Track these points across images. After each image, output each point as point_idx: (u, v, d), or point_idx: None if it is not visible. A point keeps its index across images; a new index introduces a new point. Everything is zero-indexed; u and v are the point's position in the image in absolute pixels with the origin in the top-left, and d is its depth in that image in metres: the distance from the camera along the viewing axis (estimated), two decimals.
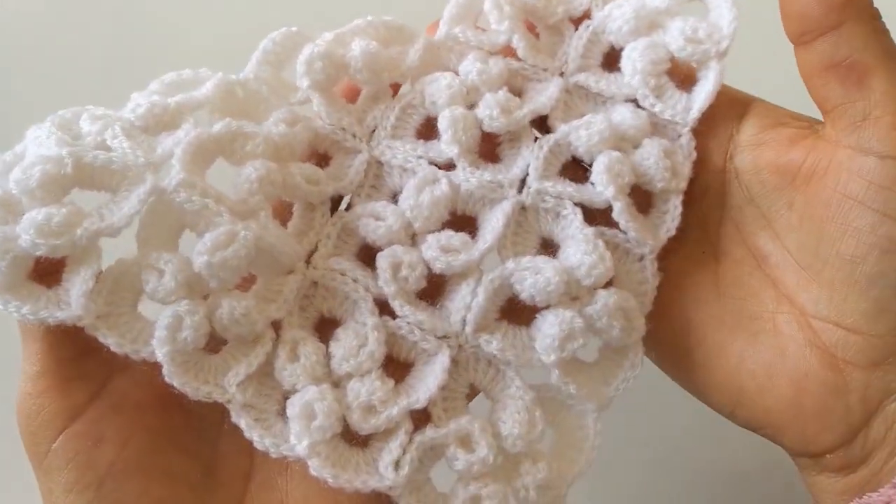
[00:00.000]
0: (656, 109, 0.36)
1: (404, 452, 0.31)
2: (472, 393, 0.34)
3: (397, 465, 0.31)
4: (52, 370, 0.29)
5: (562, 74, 0.37)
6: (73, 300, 0.28)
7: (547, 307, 0.33)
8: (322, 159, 0.36)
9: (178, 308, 0.29)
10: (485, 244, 0.33)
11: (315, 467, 0.29)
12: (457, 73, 0.36)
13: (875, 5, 0.31)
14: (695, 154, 0.36)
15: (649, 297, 0.35)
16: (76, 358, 0.30)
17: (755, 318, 0.34)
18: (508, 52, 0.37)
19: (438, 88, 0.35)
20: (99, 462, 0.29)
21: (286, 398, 0.31)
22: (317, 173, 0.34)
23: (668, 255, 0.36)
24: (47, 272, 0.29)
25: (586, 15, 0.38)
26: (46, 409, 0.29)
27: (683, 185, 0.35)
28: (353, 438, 0.31)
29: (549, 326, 0.32)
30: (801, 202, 0.33)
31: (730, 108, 0.35)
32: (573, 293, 0.33)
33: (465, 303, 0.33)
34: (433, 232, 0.34)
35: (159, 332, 0.29)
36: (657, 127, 0.36)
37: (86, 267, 0.28)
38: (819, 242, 0.32)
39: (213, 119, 0.33)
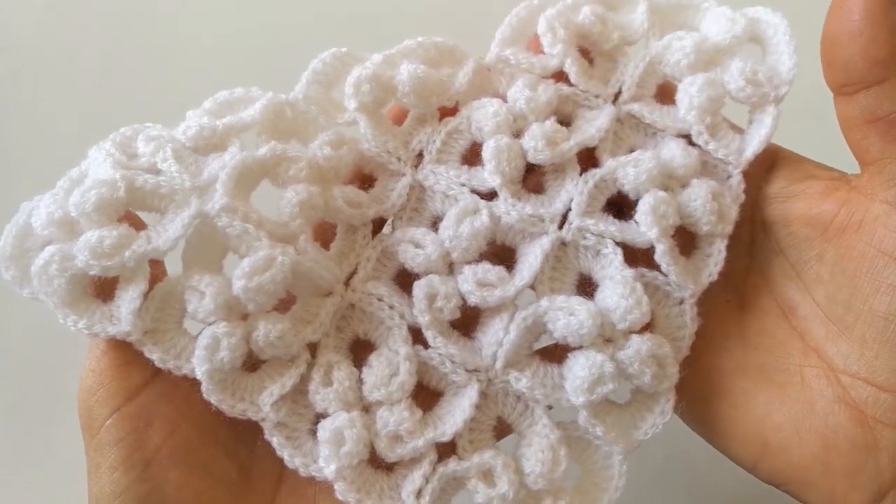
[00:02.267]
0: (710, 147, 0.35)
1: (427, 482, 0.32)
2: (501, 426, 0.34)
3: (419, 493, 0.32)
4: (114, 351, 0.30)
5: (614, 102, 0.36)
6: (123, 317, 0.30)
7: (579, 347, 0.33)
8: (367, 181, 0.36)
9: (216, 329, 0.30)
10: (521, 281, 0.33)
11: (341, 491, 0.31)
12: (505, 98, 0.36)
13: None
14: (743, 197, 0.35)
15: (686, 343, 0.34)
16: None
17: (781, 371, 0.33)
18: (560, 76, 0.36)
19: (485, 116, 0.35)
20: (147, 445, 0.30)
21: (318, 419, 0.32)
22: (359, 196, 0.34)
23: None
24: (105, 287, 0.31)
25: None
26: (105, 387, 0.30)
27: (729, 229, 0.34)
28: (379, 463, 0.32)
29: (579, 368, 0.32)
30: (832, 255, 0.32)
31: (756, 158, 0.35)
32: (607, 335, 0.33)
33: (497, 338, 0.33)
34: (471, 263, 0.34)
35: (198, 352, 0.30)
36: (706, 166, 0.35)
37: (134, 286, 0.30)
38: (851, 297, 0.31)
39: (261, 141, 0.33)
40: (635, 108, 0.36)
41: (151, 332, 0.30)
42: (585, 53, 0.37)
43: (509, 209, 0.34)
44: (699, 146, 0.35)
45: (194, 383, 0.31)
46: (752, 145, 0.35)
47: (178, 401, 0.31)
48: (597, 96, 0.36)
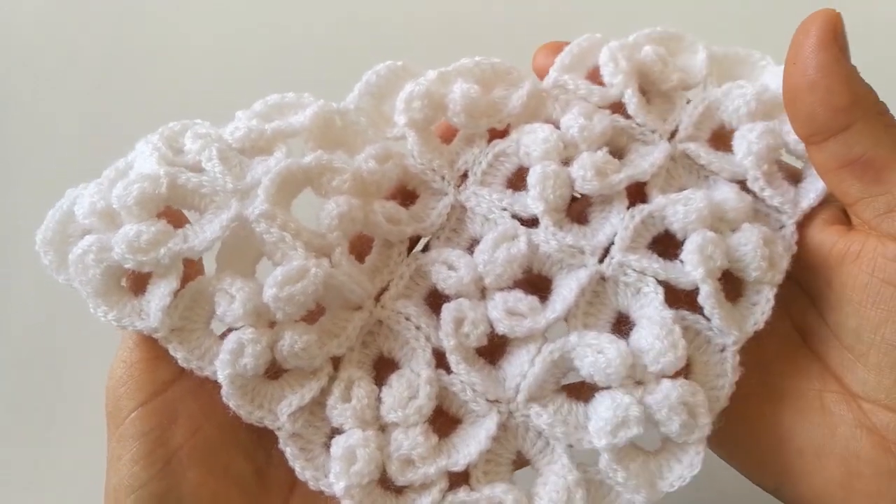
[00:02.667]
0: (765, 195, 0.34)
1: None
2: (520, 460, 0.33)
3: None
4: (147, 345, 0.31)
5: (670, 139, 0.35)
6: (152, 313, 0.30)
7: (607, 388, 0.32)
8: (410, 197, 0.36)
9: (242, 335, 0.30)
10: (552, 314, 0.32)
11: None
12: (558, 125, 0.35)
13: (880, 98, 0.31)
14: (795, 248, 0.33)
15: (725, 393, 0.32)
16: None
17: (801, 396, 0.33)
18: (617, 108, 0.35)
19: (535, 140, 0.34)
20: (170, 442, 0.30)
21: (334, 433, 0.32)
22: (398, 213, 0.34)
23: None
24: (138, 280, 0.31)
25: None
26: (134, 379, 0.30)
27: (779, 278, 0.33)
28: (389, 484, 0.32)
29: (604, 409, 0.31)
30: (837, 284, 0.32)
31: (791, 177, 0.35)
32: (638, 377, 0.32)
33: (522, 370, 0.32)
34: (503, 289, 0.33)
35: (222, 356, 0.30)
36: (758, 214, 0.34)
37: (166, 283, 0.30)
38: (860, 326, 0.31)
39: (307, 148, 0.34)
40: (691, 147, 0.35)
41: (178, 330, 0.31)
42: (643, 92, 0.36)
43: (549, 238, 0.33)
44: (753, 192, 0.34)
45: (218, 384, 0.31)
46: (808, 197, 0.34)
47: (204, 400, 0.31)
48: (653, 131, 0.35)
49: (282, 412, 0.31)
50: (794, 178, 0.35)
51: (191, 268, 0.32)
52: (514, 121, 0.35)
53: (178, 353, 0.30)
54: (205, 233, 0.31)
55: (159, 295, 0.30)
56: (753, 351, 0.33)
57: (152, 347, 0.31)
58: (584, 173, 0.33)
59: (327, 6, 0.54)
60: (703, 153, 0.35)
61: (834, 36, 0.30)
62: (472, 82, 0.35)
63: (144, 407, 0.30)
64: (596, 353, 0.31)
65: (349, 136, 0.35)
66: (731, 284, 0.33)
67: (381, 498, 0.31)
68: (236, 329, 0.30)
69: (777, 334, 0.34)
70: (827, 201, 0.34)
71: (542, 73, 0.36)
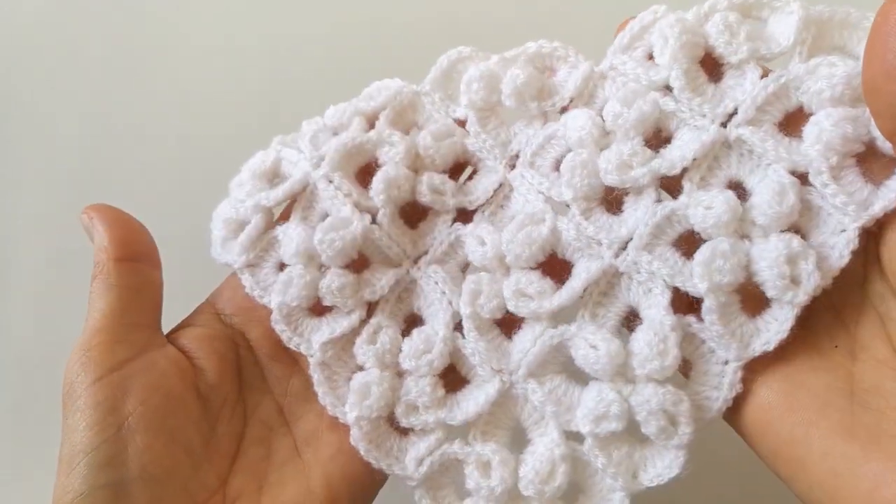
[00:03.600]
0: (827, 191, 0.30)
1: (429, 454, 0.35)
2: (518, 427, 0.35)
3: (421, 461, 0.35)
4: (108, 329, 0.34)
5: (725, 124, 0.32)
6: (235, 249, 0.38)
7: (599, 379, 0.32)
8: (471, 172, 0.39)
9: (292, 271, 0.36)
10: (558, 300, 0.33)
11: (354, 437, 0.35)
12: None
13: None
14: (846, 259, 0.29)
15: (718, 407, 0.31)
16: (126, 325, 0.35)
17: None
18: (672, 88, 0.34)
19: (573, 127, 0.34)
20: (122, 410, 0.32)
21: (358, 370, 0.37)
22: (444, 184, 0.37)
23: (794, 339, 0.30)
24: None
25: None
26: (92, 360, 0.33)
27: (801, 299, 0.29)
28: (396, 425, 0.36)
29: (589, 399, 0.32)
30: None
31: (882, 175, 0.29)
32: (628, 376, 0.32)
33: (524, 348, 0.34)
34: (524, 269, 0.35)
35: (276, 286, 0.36)
36: (819, 214, 0.30)
37: (249, 227, 0.38)
38: None
39: (381, 124, 0.38)
40: (746, 133, 0.32)
41: (252, 266, 0.37)
42: (714, 66, 0.33)
43: (570, 226, 0.34)
44: (815, 187, 0.30)
45: (171, 364, 0.35)
46: (884, 199, 0.29)
47: (155, 376, 0.34)
48: (703, 116, 0.33)
49: (315, 340, 0.37)
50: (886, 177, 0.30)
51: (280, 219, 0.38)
52: (571, 104, 0.36)
53: (246, 284, 0.37)
54: (279, 189, 0.38)
55: (242, 235, 0.38)
56: (844, 379, 0.29)
57: (112, 333, 0.34)
58: (607, 165, 0.33)
59: (329, 5, 0.54)
60: (759, 140, 0.31)
61: None
62: (530, 66, 0.36)
63: (100, 381, 0.33)
64: (589, 347, 0.32)
65: (421, 115, 0.39)
66: (758, 294, 0.31)
67: (386, 433, 0.36)
68: (289, 265, 0.36)
69: (875, 361, 0.29)
70: None
71: None
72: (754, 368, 0.31)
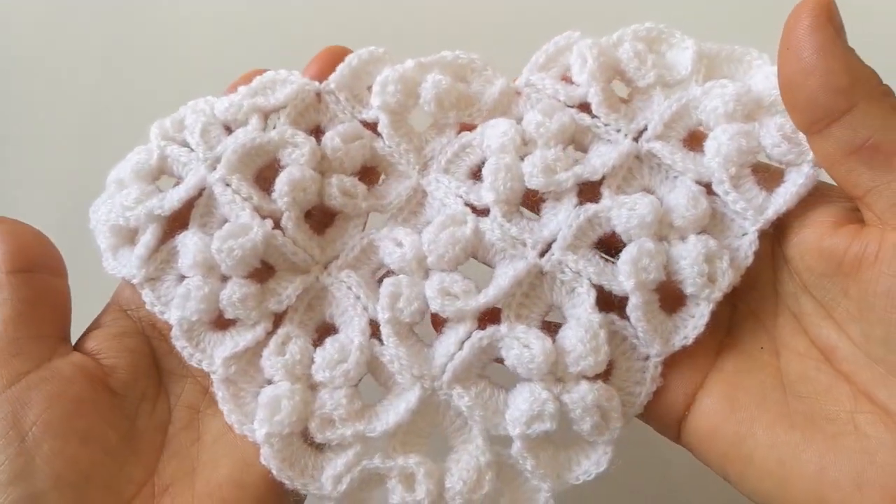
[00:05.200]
0: (728, 199, 0.33)
1: (348, 471, 0.33)
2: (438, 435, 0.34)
3: (339, 479, 0.33)
4: (2, 343, 0.32)
5: (637, 139, 0.35)
6: (132, 263, 0.35)
7: (529, 379, 0.33)
8: (377, 176, 0.38)
9: (189, 282, 0.33)
10: (483, 299, 0.33)
11: (265, 455, 0.32)
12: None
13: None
14: (751, 259, 0.33)
15: (640, 401, 0.33)
16: (25, 339, 0.33)
17: (832, 420, 0.30)
18: (588, 106, 0.36)
19: (494, 134, 0.35)
20: (23, 421, 0.31)
21: (266, 385, 0.34)
22: (355, 188, 0.36)
23: (723, 350, 0.33)
24: None
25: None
26: None
27: (718, 295, 0.32)
28: (311, 441, 0.33)
29: (521, 401, 0.32)
30: (856, 290, 0.30)
31: (773, 183, 0.33)
32: (559, 375, 0.32)
33: (449, 351, 0.33)
34: (445, 271, 0.34)
35: (175, 300, 0.34)
36: (722, 220, 0.34)
37: (144, 238, 0.35)
38: (888, 335, 0.29)
39: (283, 123, 0.36)
40: (656, 147, 0.34)
41: (152, 280, 0.35)
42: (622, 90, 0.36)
43: (494, 227, 0.34)
44: (718, 196, 0.33)
45: (75, 369, 0.33)
46: (776, 204, 0.32)
47: (56, 384, 0.33)
48: (618, 130, 0.35)
49: (217, 356, 0.34)
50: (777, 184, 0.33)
51: (180, 227, 0.35)
52: (486, 116, 0.37)
53: (146, 299, 0.34)
54: (173, 194, 0.34)
55: (138, 248, 0.35)
56: (774, 376, 0.32)
57: (7, 346, 0.33)
58: (532, 169, 0.34)
59: (330, 5, 0.55)
60: (668, 152, 0.34)
61: (828, 16, 0.28)
62: (447, 74, 0.36)
63: None
64: (522, 346, 0.32)
65: (325, 114, 0.37)
66: (675, 293, 0.33)
67: (300, 451, 0.33)
68: (189, 277, 0.33)
69: (797, 354, 0.32)
70: (835, 202, 0.32)
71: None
72: (691, 380, 0.33)
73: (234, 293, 0.33)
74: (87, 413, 0.33)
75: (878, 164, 0.28)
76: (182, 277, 0.34)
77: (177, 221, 0.35)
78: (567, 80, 0.36)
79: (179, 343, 0.34)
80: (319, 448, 0.34)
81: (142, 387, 0.35)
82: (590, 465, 0.33)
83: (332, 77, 0.37)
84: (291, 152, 0.35)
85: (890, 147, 0.28)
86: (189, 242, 0.34)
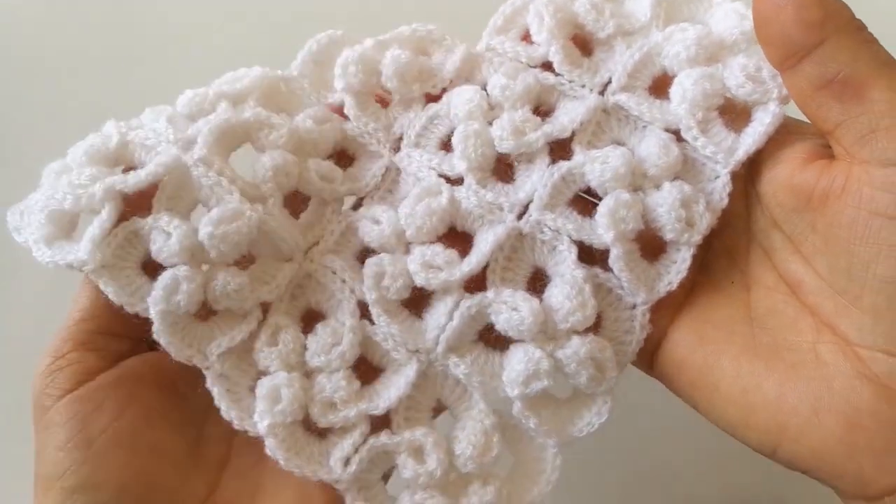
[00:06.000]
0: (698, 144, 0.33)
1: (356, 451, 0.33)
2: (440, 407, 0.35)
3: (347, 461, 0.33)
4: (77, 339, 0.32)
5: (602, 92, 0.35)
6: (82, 246, 0.31)
7: (521, 341, 0.33)
8: (348, 159, 0.37)
9: (177, 272, 0.31)
10: (468, 266, 0.33)
11: (270, 447, 0.32)
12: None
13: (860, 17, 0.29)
14: (726, 202, 0.33)
15: (632, 349, 0.33)
16: (103, 336, 0.33)
17: (793, 349, 0.31)
18: (551, 65, 0.36)
19: (460, 102, 0.35)
20: (93, 426, 0.31)
21: (260, 377, 0.33)
22: (333, 172, 0.36)
23: (695, 286, 0.34)
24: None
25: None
26: (62, 371, 0.31)
27: (697, 238, 0.33)
28: (313, 429, 0.33)
29: (517, 362, 0.32)
30: (823, 224, 0.30)
31: (741, 123, 0.33)
32: (549, 333, 0.33)
33: (440, 323, 0.33)
34: (425, 244, 0.34)
35: (156, 291, 0.31)
36: (694, 165, 0.34)
37: (98, 218, 0.31)
38: (851, 266, 0.29)
39: (251, 107, 0.35)
40: (622, 99, 0.35)
41: (110, 267, 0.31)
42: (586, 42, 0.36)
43: (470, 195, 0.34)
44: (687, 142, 0.34)
45: (147, 369, 0.33)
46: (745, 144, 0.33)
47: (130, 386, 0.32)
48: (583, 86, 0.35)
49: (211, 352, 0.32)
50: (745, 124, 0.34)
51: (131, 211, 0.32)
52: (450, 85, 0.37)
53: (108, 289, 0.31)
54: (141, 171, 0.32)
55: (91, 229, 0.31)
56: (743, 309, 0.33)
57: (82, 342, 0.32)
58: (501, 133, 0.34)
59: (330, 4, 0.55)
60: (635, 104, 0.34)
61: None
62: (407, 49, 0.36)
63: (70, 395, 0.31)
64: (510, 310, 0.32)
65: (292, 100, 0.37)
66: (655, 241, 0.34)
67: (303, 439, 0.33)
68: (171, 267, 0.32)
69: (766, 288, 0.33)
70: (806, 138, 0.32)
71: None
72: (665, 316, 0.34)
73: (228, 282, 0.32)
74: (158, 422, 0.32)
75: (847, 98, 0.29)
76: (144, 266, 0.32)
77: (130, 209, 0.32)
78: (527, 40, 0.36)
79: (165, 338, 0.31)
80: (322, 435, 0.34)
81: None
82: (591, 416, 0.33)
83: (294, 64, 0.37)
84: (268, 133, 0.34)
85: (859, 80, 0.28)
86: (168, 227, 0.31)
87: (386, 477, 0.34)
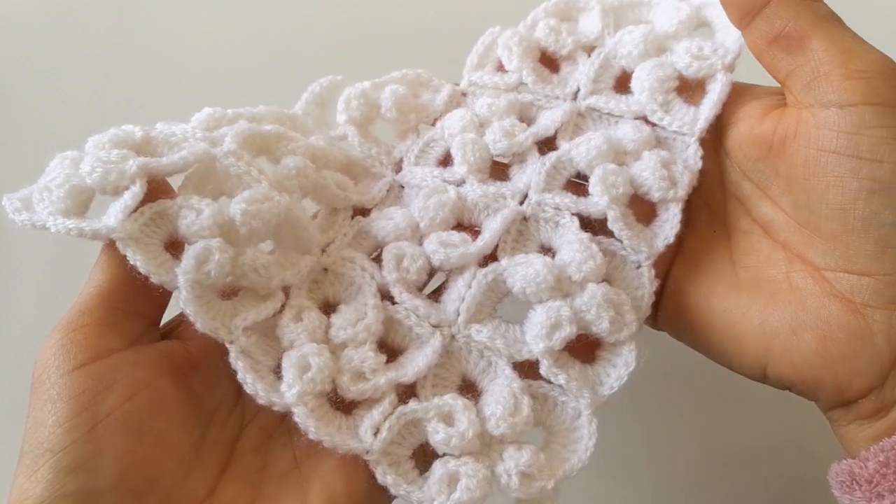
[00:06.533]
0: (664, 123, 0.38)
1: (385, 420, 0.32)
2: (465, 384, 0.34)
3: (377, 430, 0.32)
4: (97, 311, 0.31)
5: (574, 99, 0.40)
6: (112, 215, 0.31)
7: (539, 302, 0.34)
8: (353, 180, 0.40)
9: (210, 242, 0.31)
10: (482, 241, 0.36)
11: (300, 415, 0.31)
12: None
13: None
14: (700, 164, 0.37)
15: (646, 302, 0.35)
16: (122, 312, 0.32)
17: (771, 281, 0.35)
18: (525, 86, 0.41)
19: (453, 121, 0.40)
20: (101, 406, 0.29)
21: (283, 355, 0.33)
22: (346, 181, 0.38)
23: (683, 240, 0.37)
24: None
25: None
26: (77, 342, 0.30)
27: (682, 193, 0.37)
28: (339, 405, 0.32)
29: (537, 316, 0.34)
30: (783, 167, 0.34)
31: (698, 95, 0.38)
32: (564, 290, 0.34)
33: (460, 294, 0.35)
34: (437, 232, 0.36)
35: (187, 260, 0.31)
36: (667, 142, 0.38)
37: (130, 192, 0.31)
38: (809, 199, 0.33)
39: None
40: (593, 100, 0.40)
41: (136, 240, 0.31)
42: (550, 61, 0.42)
43: (475, 188, 0.37)
44: (656, 124, 0.39)
45: (166, 357, 0.32)
46: (704, 113, 0.38)
47: (145, 370, 0.31)
48: (556, 98, 0.40)
49: (236, 325, 0.32)
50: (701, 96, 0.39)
51: (158, 193, 0.32)
52: (440, 117, 0.41)
53: (137, 258, 0.30)
54: (174, 155, 0.33)
55: (122, 200, 0.31)
56: (725, 253, 0.36)
57: (102, 315, 0.31)
58: (495, 136, 0.38)
59: (329, 4, 0.58)
60: (604, 103, 0.39)
61: None
62: (399, 86, 0.41)
63: (81, 369, 0.29)
64: (526, 268, 0.34)
65: (301, 132, 0.40)
66: (646, 208, 0.37)
67: (330, 414, 0.32)
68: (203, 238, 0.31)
69: (743, 232, 0.36)
70: (761, 96, 0.37)
71: None
72: (660, 270, 0.37)
73: (257, 258, 0.32)
74: (168, 413, 0.31)
75: (793, 50, 0.33)
76: (171, 244, 0.32)
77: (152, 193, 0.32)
78: (502, 69, 0.42)
79: (191, 307, 0.31)
80: (348, 410, 0.33)
81: (222, 391, 0.33)
82: (619, 370, 0.34)
83: (298, 105, 0.41)
84: (287, 144, 0.37)
85: (801, 33, 0.33)
86: (200, 204, 0.32)
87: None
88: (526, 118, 0.41)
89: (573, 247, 0.35)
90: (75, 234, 0.31)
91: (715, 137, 0.38)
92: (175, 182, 0.34)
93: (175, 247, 0.32)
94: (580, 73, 0.41)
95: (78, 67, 0.55)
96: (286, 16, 0.57)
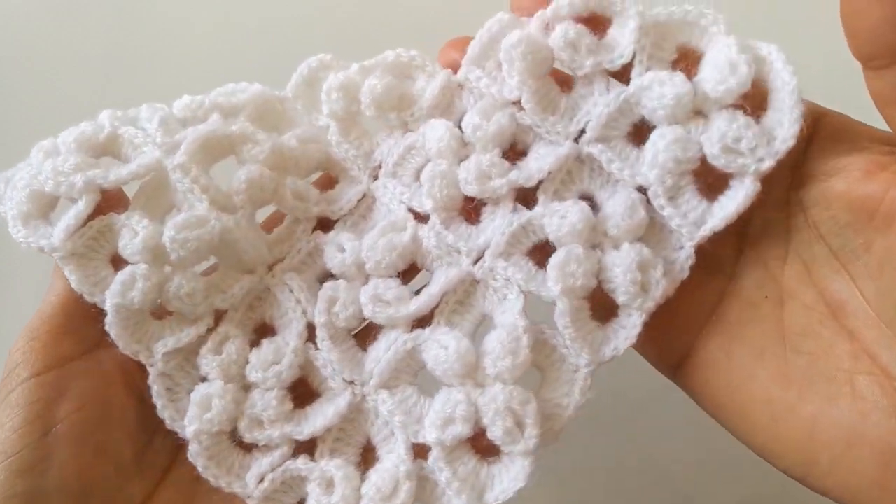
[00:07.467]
0: (664, 213, 0.31)
1: (271, 471, 0.33)
2: (369, 445, 0.34)
3: (262, 479, 0.33)
4: (56, 319, 0.32)
5: (577, 139, 0.33)
6: (55, 233, 0.32)
7: (450, 385, 0.32)
8: (332, 181, 0.38)
9: (136, 269, 0.32)
10: (415, 306, 0.33)
11: (192, 453, 0.33)
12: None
13: None
14: (687, 273, 0.31)
15: (568, 415, 0.31)
16: (80, 318, 0.33)
17: (830, 379, 0.29)
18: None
19: (432, 138, 0.34)
20: (52, 415, 0.30)
21: (202, 382, 0.34)
22: (308, 191, 0.36)
23: (724, 298, 0.31)
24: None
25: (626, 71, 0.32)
26: (35, 351, 0.31)
27: (650, 305, 0.31)
28: (242, 442, 0.34)
29: (438, 403, 0.32)
30: (881, 246, 0.28)
31: (718, 189, 0.30)
32: (478, 380, 0.31)
33: (378, 356, 0.33)
34: (382, 277, 0.34)
35: (113, 286, 0.32)
36: (662, 229, 0.32)
37: (75, 208, 0.32)
38: None
39: (241, 122, 0.36)
40: (596, 151, 0.32)
41: (79, 256, 0.32)
42: (563, 78, 0.34)
43: (431, 235, 0.34)
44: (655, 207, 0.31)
45: (118, 368, 0.33)
46: (715, 219, 0.30)
47: (97, 380, 0.32)
48: (557, 133, 0.33)
49: (157, 350, 0.33)
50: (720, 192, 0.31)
51: (111, 205, 0.33)
52: (427, 115, 0.36)
53: (73, 276, 0.32)
54: (122, 169, 0.33)
55: (66, 217, 0.32)
56: (775, 327, 0.30)
57: (59, 324, 0.32)
58: (467, 176, 0.33)
59: (329, 4, 0.55)
60: (606, 159, 0.32)
61: None
62: (391, 75, 0.36)
63: (37, 378, 0.31)
64: (439, 347, 0.31)
65: (285, 120, 0.38)
66: (609, 302, 0.32)
67: (228, 449, 0.33)
68: (133, 264, 0.32)
69: (802, 307, 0.30)
70: (865, 148, 0.29)
71: (454, 69, 0.35)
72: (690, 330, 0.32)
73: (181, 286, 0.33)
74: (114, 422, 0.32)
75: None
76: (112, 260, 0.33)
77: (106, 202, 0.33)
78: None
79: (115, 330, 0.32)
80: (248, 449, 0.34)
81: None
82: (508, 481, 0.31)
83: (289, 86, 0.38)
84: (251, 148, 0.34)
85: None
86: (137, 225, 0.32)
87: None
88: (520, 142, 0.34)
89: (501, 335, 0.31)
90: (25, 246, 0.32)
91: (790, 177, 0.30)
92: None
93: (124, 261, 0.33)
94: (592, 107, 0.33)
95: (78, 67, 0.55)
96: (286, 16, 0.55)
